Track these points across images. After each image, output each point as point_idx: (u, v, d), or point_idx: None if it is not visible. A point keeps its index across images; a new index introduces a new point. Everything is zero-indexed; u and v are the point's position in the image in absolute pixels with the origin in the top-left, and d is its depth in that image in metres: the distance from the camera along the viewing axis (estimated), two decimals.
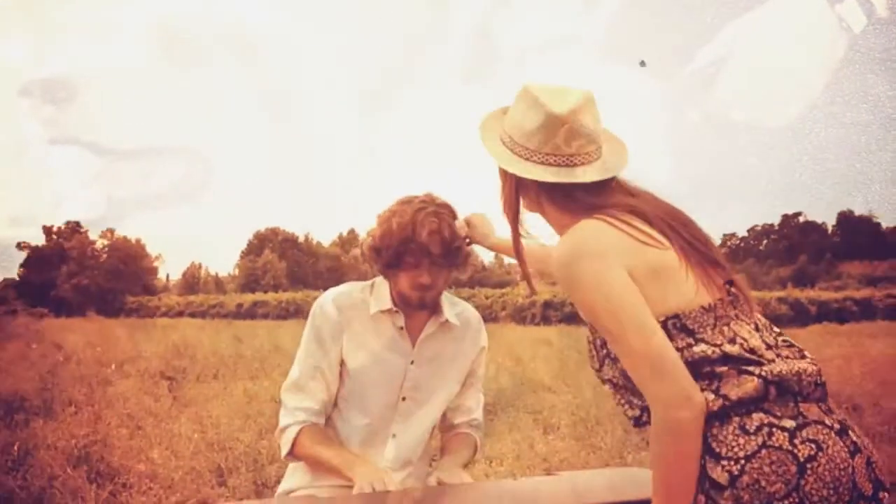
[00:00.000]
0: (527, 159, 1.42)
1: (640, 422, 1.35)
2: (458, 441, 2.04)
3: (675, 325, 1.27)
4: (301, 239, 62.67)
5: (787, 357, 1.29)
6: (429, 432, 2.01)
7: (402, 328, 1.91)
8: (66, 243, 53.91)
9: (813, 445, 1.18)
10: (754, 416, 1.21)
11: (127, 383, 7.58)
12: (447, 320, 1.94)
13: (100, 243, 55.69)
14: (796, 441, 1.18)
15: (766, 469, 1.17)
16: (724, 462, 1.20)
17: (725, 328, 1.29)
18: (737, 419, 1.21)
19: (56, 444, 4.59)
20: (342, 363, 1.90)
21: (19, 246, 55.01)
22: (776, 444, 1.18)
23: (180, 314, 38.91)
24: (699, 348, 1.25)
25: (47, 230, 56.11)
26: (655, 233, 1.32)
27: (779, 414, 1.21)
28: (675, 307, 1.27)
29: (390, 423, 1.92)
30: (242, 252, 61.43)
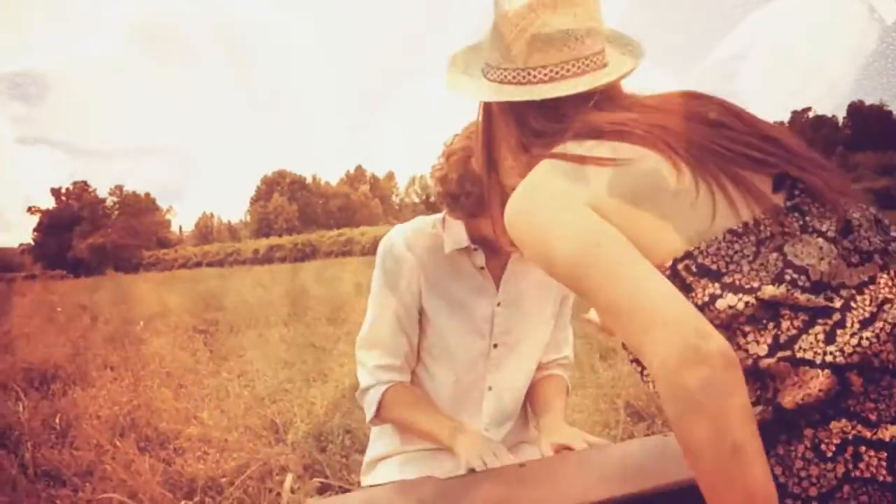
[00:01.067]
0: (504, 81, 1.07)
1: None
2: (553, 387, 1.79)
3: (690, 269, 0.85)
4: (309, 180, 62.28)
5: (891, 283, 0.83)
6: (529, 379, 1.78)
7: (482, 268, 1.65)
8: (75, 203, 53.94)
9: None
10: (833, 425, 0.77)
11: (160, 341, 7.37)
12: None
13: (109, 201, 55.64)
14: None
15: None
16: (789, 502, 0.79)
17: (774, 255, 0.84)
18: (809, 431, 0.78)
19: (98, 413, 4.39)
20: (421, 311, 1.65)
21: (30, 210, 55.13)
22: (867, 475, 0.75)
23: (198, 265, 39.14)
24: (725, 301, 0.82)
25: (55, 192, 56.07)
26: (640, 148, 0.92)
27: (873, 417, 0.77)
28: (684, 241, 0.86)
29: (484, 375, 1.68)
30: (252, 198, 61.33)
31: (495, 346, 1.67)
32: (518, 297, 1.68)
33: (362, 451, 3.56)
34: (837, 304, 0.80)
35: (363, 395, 1.67)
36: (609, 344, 5.19)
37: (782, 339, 0.80)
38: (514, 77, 1.05)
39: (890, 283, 0.83)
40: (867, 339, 0.78)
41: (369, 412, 1.65)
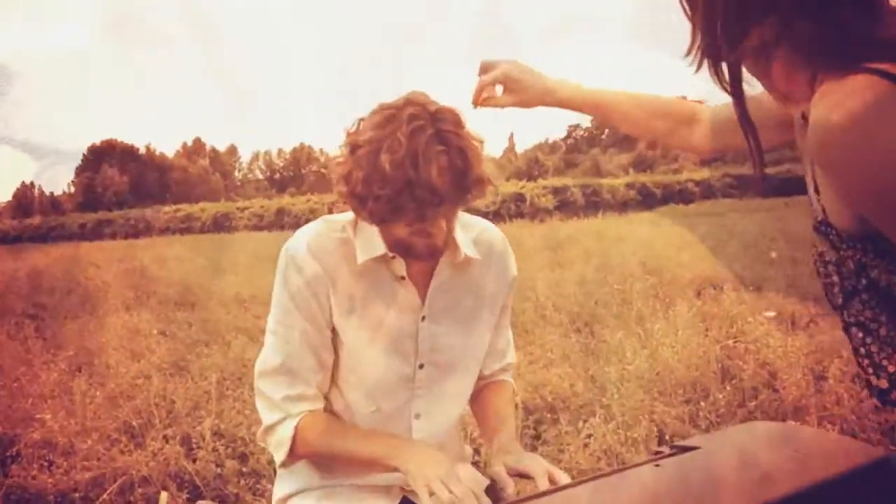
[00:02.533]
0: None
1: (887, 398, 0.97)
2: (502, 396, 1.63)
3: None
4: (142, 151, 58.48)
5: None
6: (464, 403, 1.59)
7: (403, 278, 1.43)
8: None
9: None
10: None
11: None
12: (466, 256, 1.47)
13: None
14: None
15: None
16: None
17: None
18: None
19: None
20: (333, 330, 1.43)
21: None
22: None
23: (17, 239, 35.59)
24: None
25: None
26: None
27: None
28: None
29: (410, 401, 1.48)
30: (77, 168, 56.77)
31: (421, 366, 1.46)
32: (448, 308, 1.48)
33: (238, 458, 3.36)
34: None
35: (269, 433, 1.43)
36: None
37: None
38: None
39: None
40: None
41: (280, 452, 1.41)
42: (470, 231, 1.54)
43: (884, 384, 0.97)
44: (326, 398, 1.48)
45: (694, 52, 0.99)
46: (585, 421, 3.45)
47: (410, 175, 1.22)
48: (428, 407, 1.49)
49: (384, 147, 1.23)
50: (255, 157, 77.21)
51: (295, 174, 75.34)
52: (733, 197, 37.83)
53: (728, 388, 3.66)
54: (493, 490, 1.46)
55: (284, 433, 1.40)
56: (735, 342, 4.70)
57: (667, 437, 3.23)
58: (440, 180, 1.23)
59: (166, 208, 39.00)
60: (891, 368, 0.95)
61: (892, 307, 0.91)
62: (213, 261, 13.68)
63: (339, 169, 1.32)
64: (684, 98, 1.47)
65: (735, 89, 0.98)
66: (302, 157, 76.64)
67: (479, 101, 1.46)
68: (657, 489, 1.17)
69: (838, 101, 0.82)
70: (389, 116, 1.27)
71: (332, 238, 1.44)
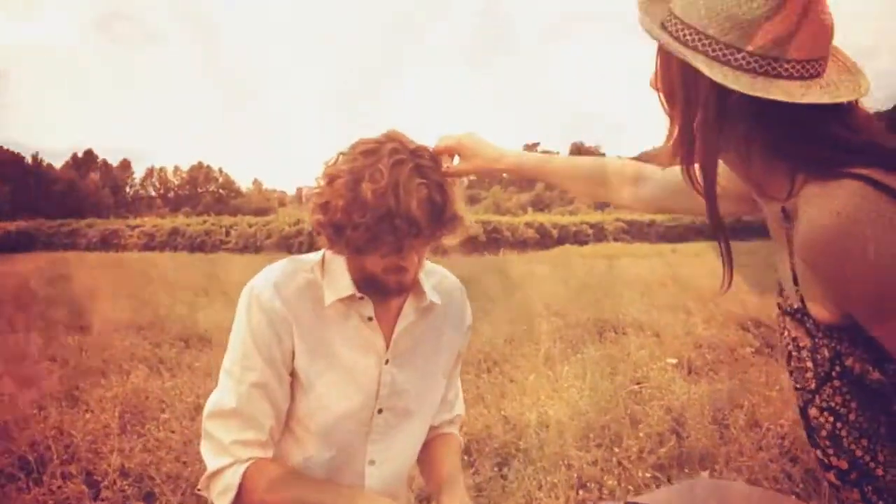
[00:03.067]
0: (745, 69, 0.94)
1: (846, 478, 1.04)
2: (449, 449, 1.62)
3: None
4: (28, 160, 55.34)
5: None
6: (417, 451, 1.58)
7: (371, 319, 1.43)
8: None
9: None
10: None
11: None
12: (431, 302, 1.49)
13: None
14: None
15: None
16: None
17: None
18: None
19: None
20: (293, 373, 1.40)
21: None
22: None
23: None
24: None
25: None
26: None
27: None
28: None
29: (364, 447, 1.46)
30: None
31: (380, 411, 1.45)
32: (409, 353, 1.48)
33: (144, 498, 3.19)
34: None
35: (214, 478, 1.36)
36: None
37: None
38: (791, 71, 0.93)
39: None
40: None
41: (224, 499, 1.34)
42: (431, 277, 1.56)
43: (844, 465, 1.04)
44: (279, 445, 1.43)
45: (671, 145, 1.06)
46: (504, 465, 3.49)
47: (391, 205, 1.24)
48: (383, 453, 1.47)
49: (366, 177, 1.25)
50: (150, 172, 74.43)
51: (191, 193, 73.06)
52: (624, 241, 39.42)
53: (640, 434, 3.78)
54: None
55: (231, 480, 1.34)
56: (640, 387, 4.87)
57: (586, 484, 3.30)
58: (419, 212, 1.26)
59: (51, 222, 36.90)
60: (858, 453, 1.01)
61: (863, 394, 0.98)
62: (103, 282, 13.02)
63: (316, 199, 1.33)
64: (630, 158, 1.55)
65: (708, 190, 1.02)
66: (199, 175, 74.48)
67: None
68: None
69: (830, 207, 0.88)
70: (371, 150, 1.30)
71: (300, 279, 1.43)
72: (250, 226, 33.58)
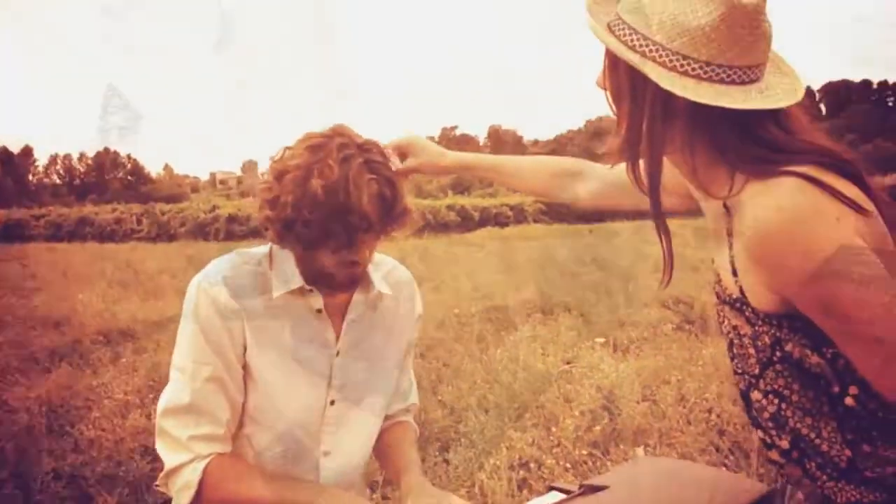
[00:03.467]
0: (691, 76, 1.00)
1: (789, 456, 1.12)
2: (405, 437, 1.64)
3: None
4: None
5: None
6: (372, 441, 1.58)
7: (320, 311, 1.43)
8: None
9: None
10: None
11: None
12: (379, 292, 1.51)
13: None
14: None
15: None
16: None
17: None
18: None
19: None
20: (245, 366, 1.39)
21: None
22: None
23: None
24: None
25: None
26: (863, 196, 0.98)
27: None
28: None
29: (318, 438, 1.46)
30: None
31: (332, 402, 1.45)
32: (360, 344, 1.49)
33: (81, 501, 3.09)
34: None
35: (172, 475, 1.34)
36: None
37: None
38: (732, 77, 1.00)
39: None
40: None
41: (184, 496, 1.32)
42: (380, 268, 1.57)
43: (786, 444, 1.12)
44: (232, 440, 1.41)
45: (618, 144, 1.11)
46: (447, 449, 3.55)
47: (342, 200, 1.25)
48: (336, 444, 1.47)
49: (315, 172, 1.25)
50: (53, 160, 71.11)
51: (98, 180, 70.18)
52: (543, 222, 40.19)
53: (575, 412, 3.90)
54: None
55: (191, 476, 1.32)
56: (571, 367, 5.01)
57: (526, 463, 3.39)
58: (370, 207, 1.27)
59: None
60: (803, 431, 1.09)
61: (804, 376, 1.06)
62: (10, 275, 12.41)
63: (265, 194, 1.32)
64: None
65: (653, 189, 1.08)
66: (106, 161, 71.60)
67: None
68: None
69: (773, 203, 0.96)
70: (318, 144, 1.30)
71: (249, 271, 1.42)
72: (163, 213, 32.59)
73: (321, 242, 1.30)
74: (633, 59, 1.02)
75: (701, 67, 0.99)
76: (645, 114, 1.05)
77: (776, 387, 1.10)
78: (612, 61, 1.09)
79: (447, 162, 1.56)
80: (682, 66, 1.00)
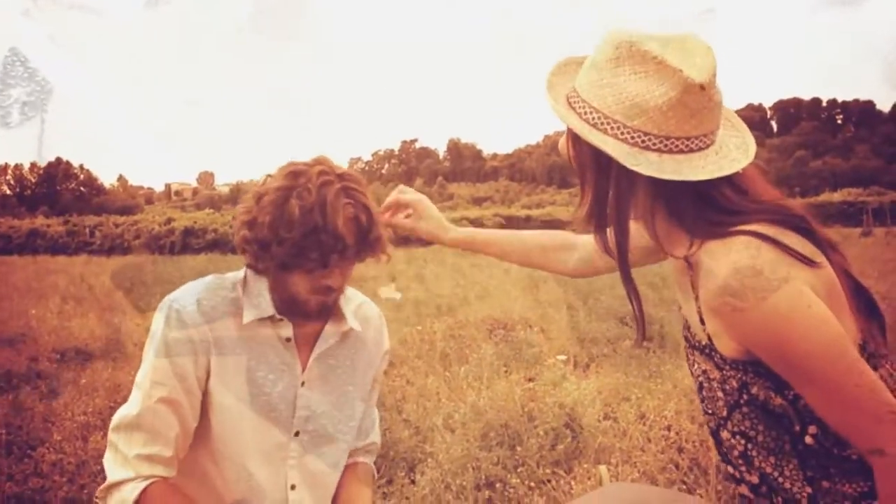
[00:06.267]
0: (652, 150, 1.08)
1: (758, 491, 1.20)
2: (358, 478, 1.64)
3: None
4: None
5: None
6: (338, 475, 1.59)
7: (289, 340, 1.46)
8: None
9: None
10: None
11: None
12: (351, 328, 1.54)
13: None
14: None
15: None
16: None
17: (882, 371, 1.11)
18: None
19: None
20: (206, 392, 1.41)
21: None
22: None
23: None
24: None
25: None
26: (812, 247, 1.08)
27: None
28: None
29: (284, 471, 1.46)
30: None
31: (297, 434, 1.47)
32: (326, 376, 1.52)
33: None
34: None
35: (112, 490, 1.34)
36: None
37: None
38: (682, 146, 1.09)
39: None
40: None
41: None
42: (350, 303, 1.60)
43: (755, 479, 1.21)
44: (193, 470, 1.44)
45: (584, 214, 1.20)
46: (413, 470, 3.58)
47: (318, 221, 1.30)
48: (302, 477, 1.48)
49: (294, 194, 1.31)
50: (3, 169, 69.25)
51: (49, 191, 68.55)
52: None
53: (539, 431, 3.96)
54: None
55: (129, 495, 1.32)
56: (533, 384, 5.08)
57: (492, 483, 3.44)
58: (345, 230, 1.32)
59: None
60: (768, 469, 1.18)
61: (768, 417, 1.14)
62: None
63: (243, 216, 1.37)
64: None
65: (621, 255, 1.17)
66: (58, 172, 70.02)
67: (385, 216, 1.60)
68: None
69: (728, 260, 1.05)
70: (299, 171, 1.35)
71: (222, 297, 1.44)
72: (116, 225, 31.99)
73: (296, 263, 1.35)
74: (595, 139, 1.10)
75: (661, 141, 1.08)
76: (610, 186, 1.13)
77: (743, 428, 1.18)
78: (574, 136, 1.16)
79: (448, 238, 1.63)
80: (643, 141, 1.08)
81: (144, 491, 1.32)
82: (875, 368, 1.08)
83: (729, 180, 1.11)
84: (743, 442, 1.19)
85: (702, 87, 1.05)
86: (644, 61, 1.06)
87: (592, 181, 1.16)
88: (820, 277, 1.06)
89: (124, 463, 1.34)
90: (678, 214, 1.13)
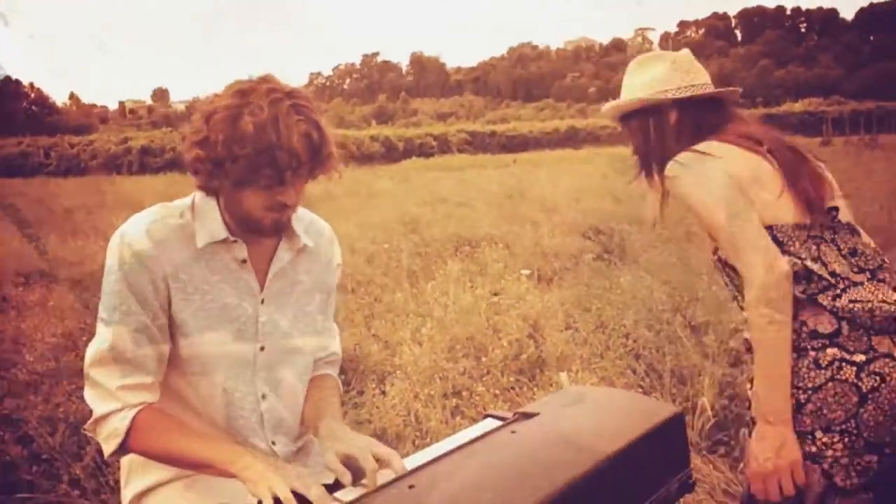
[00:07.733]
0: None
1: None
2: (324, 387, 1.69)
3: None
4: None
5: (876, 287, 1.44)
6: (305, 382, 1.66)
7: (244, 261, 1.50)
8: None
9: (877, 378, 1.37)
10: (828, 351, 1.40)
11: None
12: (304, 245, 1.59)
13: None
14: (863, 374, 1.37)
15: (830, 399, 1.37)
16: (794, 391, 1.40)
17: (814, 247, 1.47)
18: (812, 354, 1.40)
19: None
20: (171, 318, 1.44)
21: None
22: (843, 378, 1.37)
23: None
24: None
25: None
26: (760, 148, 1.55)
27: (851, 349, 1.39)
28: (770, 219, 1.48)
29: (254, 383, 1.52)
30: None
31: (262, 348, 1.52)
32: (284, 293, 1.57)
33: (20, 442, 3.13)
34: (856, 279, 1.44)
35: (101, 423, 1.37)
36: None
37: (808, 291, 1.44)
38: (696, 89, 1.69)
39: (872, 289, 1.43)
40: (859, 305, 1.40)
41: (111, 444, 1.37)
42: (301, 221, 1.63)
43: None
44: (173, 389, 1.48)
45: (637, 164, 1.76)
46: (382, 381, 3.72)
47: (272, 138, 1.30)
48: (272, 386, 1.55)
49: (245, 111, 1.31)
50: None
51: (0, 111, 66.13)
52: (467, 152, 40.29)
53: (503, 342, 4.12)
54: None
55: (119, 424, 1.36)
56: (498, 298, 5.23)
57: (458, 392, 3.59)
58: (299, 145, 1.33)
59: None
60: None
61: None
62: None
63: (193, 136, 1.36)
64: None
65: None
66: (7, 91, 67.37)
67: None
68: (519, 452, 1.44)
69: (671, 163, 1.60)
70: (247, 90, 1.35)
71: (171, 223, 1.45)
72: (72, 146, 31.13)
73: (250, 180, 1.35)
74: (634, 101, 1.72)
75: (678, 90, 1.69)
76: (649, 142, 1.73)
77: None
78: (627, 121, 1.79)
79: None
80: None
81: (134, 418, 1.36)
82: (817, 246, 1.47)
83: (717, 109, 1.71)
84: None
85: (686, 57, 1.75)
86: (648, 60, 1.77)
87: (639, 144, 1.75)
88: (737, 166, 1.52)
89: (108, 396, 1.37)
90: (687, 131, 1.69)
